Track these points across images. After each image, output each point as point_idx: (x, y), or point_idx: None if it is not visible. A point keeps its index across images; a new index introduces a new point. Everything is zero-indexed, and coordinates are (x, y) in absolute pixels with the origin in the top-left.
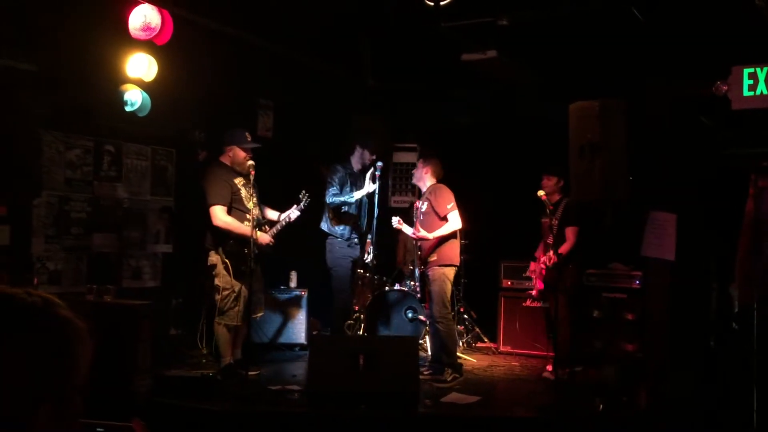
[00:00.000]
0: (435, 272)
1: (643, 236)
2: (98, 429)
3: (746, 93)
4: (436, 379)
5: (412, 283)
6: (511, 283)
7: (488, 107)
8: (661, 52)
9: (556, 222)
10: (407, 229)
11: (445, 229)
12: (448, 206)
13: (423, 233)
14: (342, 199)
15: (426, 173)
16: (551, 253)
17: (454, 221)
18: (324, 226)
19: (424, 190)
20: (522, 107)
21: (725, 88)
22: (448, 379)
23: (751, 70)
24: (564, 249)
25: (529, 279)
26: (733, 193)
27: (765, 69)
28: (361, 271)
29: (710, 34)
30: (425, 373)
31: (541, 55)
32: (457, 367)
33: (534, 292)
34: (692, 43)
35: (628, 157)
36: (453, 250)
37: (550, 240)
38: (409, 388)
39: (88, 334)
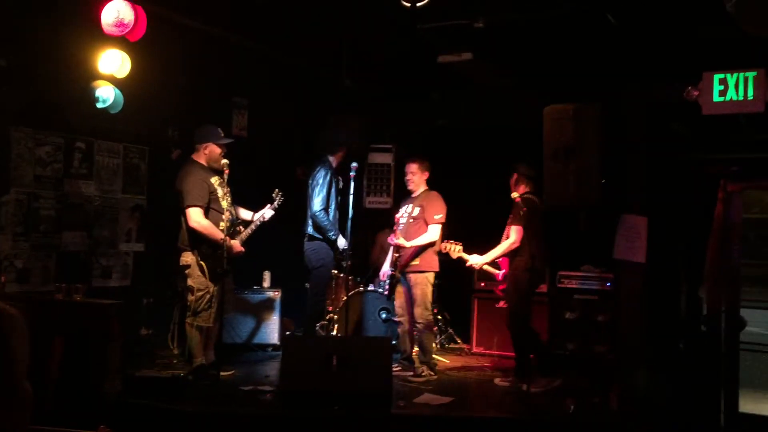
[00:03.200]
0: (418, 277)
1: (614, 239)
2: None
3: (716, 98)
4: (410, 374)
5: (380, 277)
6: (485, 285)
7: (464, 109)
8: (634, 57)
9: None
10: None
11: (422, 240)
12: (436, 217)
13: (401, 241)
14: (325, 226)
15: (425, 178)
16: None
17: (433, 233)
18: (310, 230)
19: (416, 194)
20: (497, 110)
21: (696, 93)
22: (422, 373)
23: (722, 76)
24: (500, 248)
25: (505, 281)
26: (703, 197)
27: (735, 75)
28: (335, 271)
29: (682, 40)
30: (395, 369)
31: (517, 58)
32: (432, 366)
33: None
34: (664, 49)
35: (601, 161)
36: (435, 258)
37: (503, 239)
38: (383, 389)
39: (22, 322)
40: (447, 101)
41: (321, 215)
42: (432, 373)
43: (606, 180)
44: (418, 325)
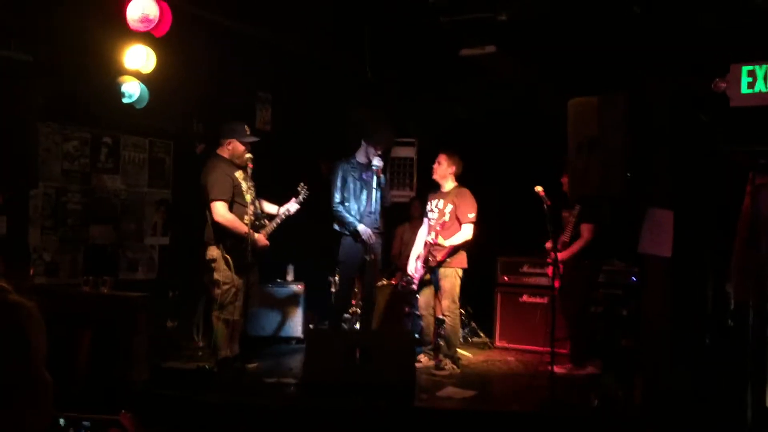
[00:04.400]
0: (447, 271)
1: (640, 232)
2: (84, 422)
3: (745, 90)
4: (432, 366)
5: (409, 276)
6: (508, 279)
7: (487, 102)
8: (661, 49)
9: (573, 218)
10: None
11: (458, 238)
12: (470, 215)
13: (441, 241)
14: (343, 217)
15: (452, 173)
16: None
17: (468, 232)
18: (336, 225)
19: (445, 189)
20: (521, 102)
21: (724, 85)
22: (445, 367)
23: (750, 68)
24: (576, 245)
25: (528, 275)
26: (731, 191)
27: (764, 67)
28: None
29: (710, 31)
30: (420, 360)
31: (540, 50)
32: (456, 360)
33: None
34: (692, 40)
35: (627, 153)
36: (464, 255)
37: (565, 237)
38: (405, 382)
39: (39, 314)
40: (469, 94)
41: (336, 209)
42: (455, 367)
43: (631, 173)
44: (445, 318)
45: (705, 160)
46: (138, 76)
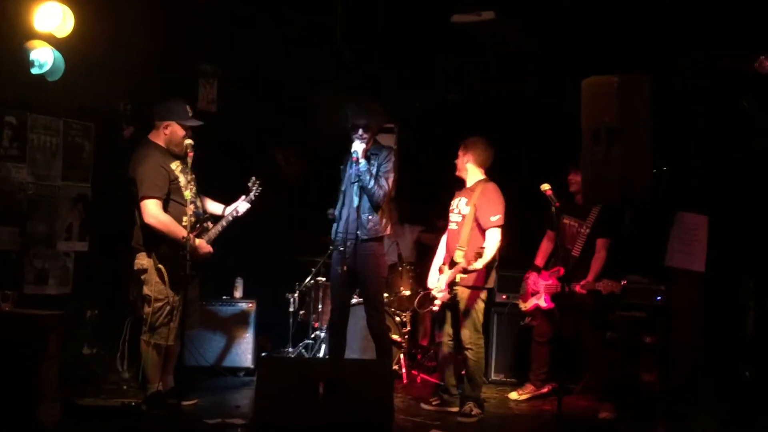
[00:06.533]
0: (466, 292)
1: (668, 243)
2: None
3: None
4: (460, 412)
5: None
6: (507, 297)
7: (482, 81)
8: (695, 21)
9: (587, 230)
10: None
11: (488, 254)
12: (492, 218)
13: (473, 266)
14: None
15: (468, 162)
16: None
17: (493, 240)
18: None
19: (468, 185)
20: (523, 82)
21: None
22: (473, 413)
23: None
24: (597, 267)
25: (533, 293)
26: None
27: None
28: (323, 279)
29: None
30: (433, 403)
31: (549, 19)
32: (481, 402)
33: (530, 308)
34: (731, 12)
35: (653, 147)
36: (489, 271)
37: (575, 251)
38: (380, 420)
39: None
40: (460, 72)
41: None
42: (480, 411)
43: (658, 170)
44: (466, 351)
45: (747, 155)
46: (51, 40)
